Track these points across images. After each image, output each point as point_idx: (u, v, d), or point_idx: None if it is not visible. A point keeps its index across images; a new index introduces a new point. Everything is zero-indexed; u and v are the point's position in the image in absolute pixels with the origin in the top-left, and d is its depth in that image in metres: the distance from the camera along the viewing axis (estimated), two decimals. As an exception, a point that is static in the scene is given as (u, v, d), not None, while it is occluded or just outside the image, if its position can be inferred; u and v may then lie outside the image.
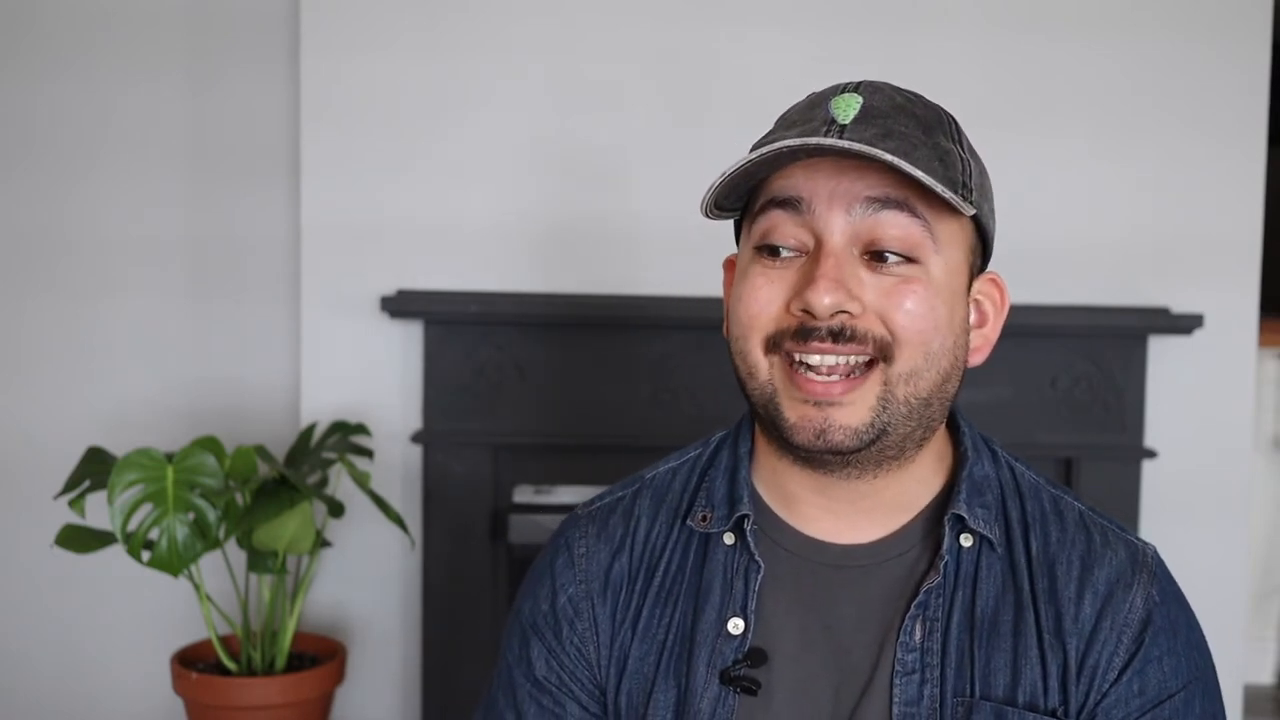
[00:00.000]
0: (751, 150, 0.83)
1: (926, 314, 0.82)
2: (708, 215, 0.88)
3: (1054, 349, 1.92)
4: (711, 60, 1.93)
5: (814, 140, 0.79)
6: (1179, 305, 1.95)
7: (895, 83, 0.91)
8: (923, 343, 0.82)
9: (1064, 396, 1.93)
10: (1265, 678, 2.95)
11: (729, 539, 0.91)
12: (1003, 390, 1.92)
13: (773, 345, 0.83)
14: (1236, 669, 1.98)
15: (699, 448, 0.99)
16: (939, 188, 0.79)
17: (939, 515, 0.89)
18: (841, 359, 0.81)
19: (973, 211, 0.82)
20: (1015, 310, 1.91)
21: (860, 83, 0.86)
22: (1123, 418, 1.93)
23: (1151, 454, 1.93)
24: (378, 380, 1.97)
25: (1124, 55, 1.94)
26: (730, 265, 0.94)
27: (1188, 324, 1.90)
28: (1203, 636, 0.90)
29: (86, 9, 2.08)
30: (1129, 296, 1.95)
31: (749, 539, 0.89)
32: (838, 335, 0.80)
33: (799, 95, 0.90)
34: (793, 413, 0.82)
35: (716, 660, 0.88)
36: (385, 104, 1.95)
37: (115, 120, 2.09)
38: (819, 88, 0.89)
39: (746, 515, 0.90)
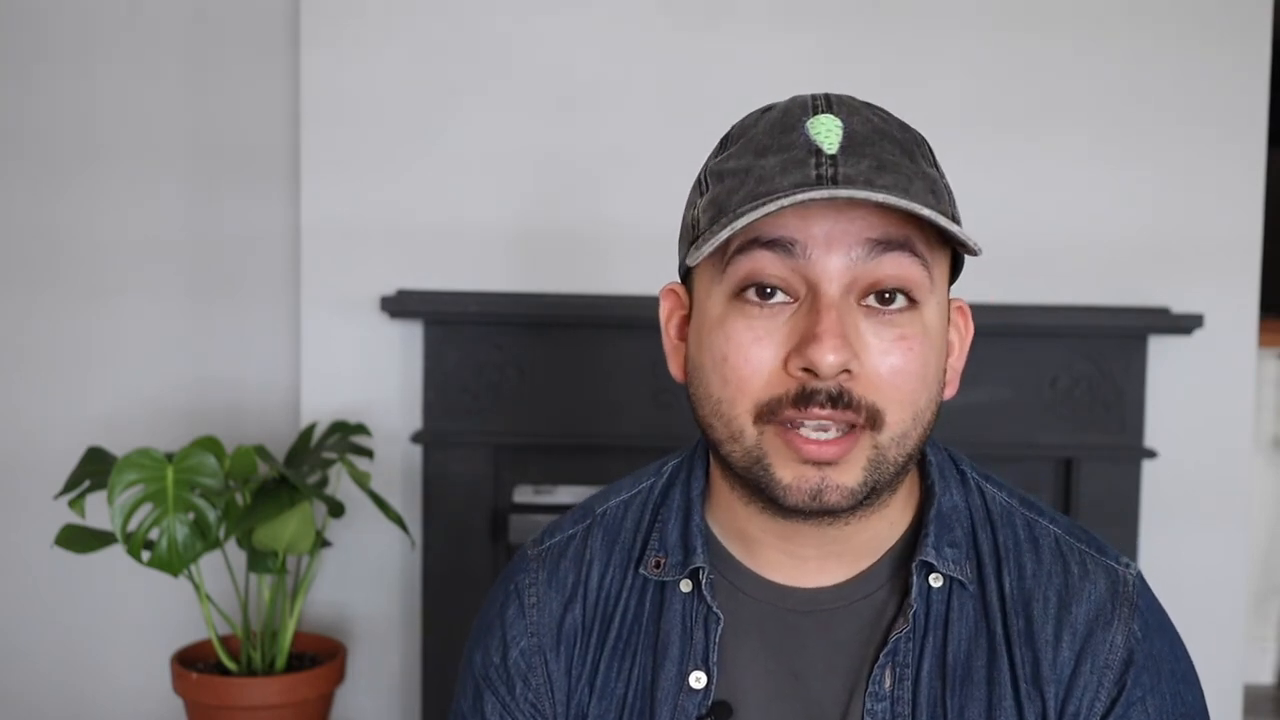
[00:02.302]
0: (728, 186, 0.76)
1: (918, 371, 0.77)
2: (689, 259, 0.79)
3: (1054, 349, 1.92)
4: (710, 61, 1.93)
5: (845, 192, 0.72)
6: (1179, 305, 1.95)
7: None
8: (912, 403, 0.77)
9: (1064, 396, 1.93)
10: (1265, 678, 2.95)
11: (686, 587, 0.86)
12: (1002, 390, 1.92)
13: (765, 414, 0.76)
14: (1236, 669, 1.98)
15: (651, 477, 0.93)
16: (960, 233, 0.74)
17: (906, 555, 0.85)
18: (837, 427, 0.76)
19: (980, 252, 0.76)
20: (1015, 310, 1.93)
21: (828, 99, 0.79)
22: (1122, 418, 1.93)
23: (1151, 454, 1.93)
24: (378, 380, 1.97)
25: (1124, 55, 1.94)
26: (669, 294, 0.88)
27: (1188, 324, 1.90)
28: (1188, 664, 0.87)
29: (86, 9, 2.08)
30: (1129, 296, 1.95)
31: (705, 592, 0.85)
32: (836, 400, 0.74)
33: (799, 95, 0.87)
34: (787, 472, 0.77)
35: (680, 717, 0.83)
36: (385, 104, 1.95)
37: (115, 120, 2.09)
38: (813, 89, 0.85)
39: (701, 568, 0.85)
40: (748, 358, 0.76)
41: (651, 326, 2.03)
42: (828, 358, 0.73)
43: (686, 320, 0.86)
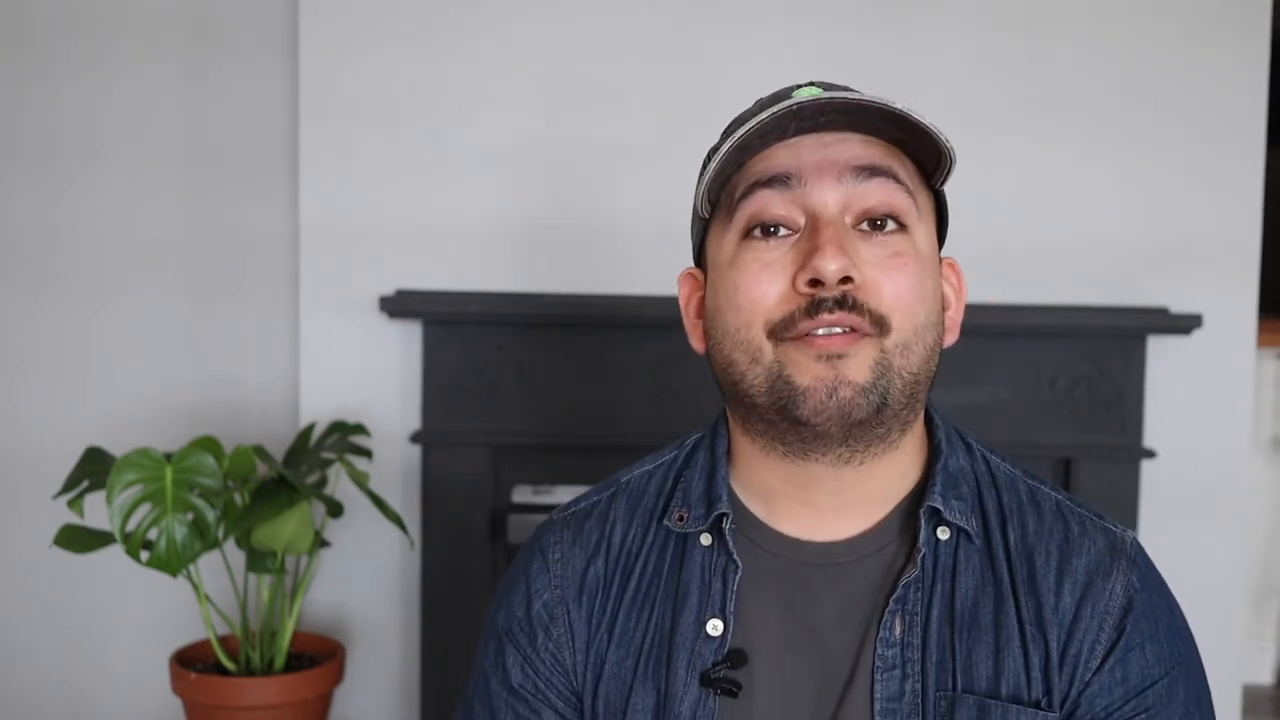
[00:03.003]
0: (721, 147, 0.83)
1: (915, 286, 0.83)
2: (700, 209, 0.88)
3: (1053, 349, 1.92)
4: (710, 60, 1.93)
5: (826, 96, 0.79)
6: (1178, 305, 1.95)
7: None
8: (912, 315, 0.82)
9: (1063, 396, 1.93)
10: (1265, 678, 2.95)
11: (706, 540, 0.90)
12: (1002, 390, 1.92)
13: (780, 330, 0.82)
14: (1236, 669, 1.98)
15: (674, 450, 0.98)
16: (933, 128, 0.80)
17: (915, 509, 0.88)
18: (845, 328, 0.81)
19: (954, 154, 0.83)
20: (1015, 310, 1.93)
21: (812, 80, 0.87)
22: (1122, 418, 1.93)
23: (1150, 454, 1.93)
24: (376, 380, 1.97)
25: (1124, 55, 1.94)
26: (687, 278, 0.94)
27: (1187, 324, 1.90)
28: (1184, 620, 0.90)
29: (84, 8, 2.08)
30: (1128, 296, 1.95)
31: (727, 538, 0.89)
32: (842, 303, 0.80)
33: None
34: (805, 375, 0.81)
35: (696, 662, 0.87)
36: (384, 103, 1.95)
37: (114, 120, 2.09)
38: None
39: (725, 514, 0.89)
40: (758, 281, 0.83)
41: (652, 326, 2.04)
42: (830, 265, 0.79)
43: (704, 302, 0.91)
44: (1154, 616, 0.87)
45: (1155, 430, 1.96)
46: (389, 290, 1.95)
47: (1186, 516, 1.97)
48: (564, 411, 1.93)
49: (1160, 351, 1.96)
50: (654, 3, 1.94)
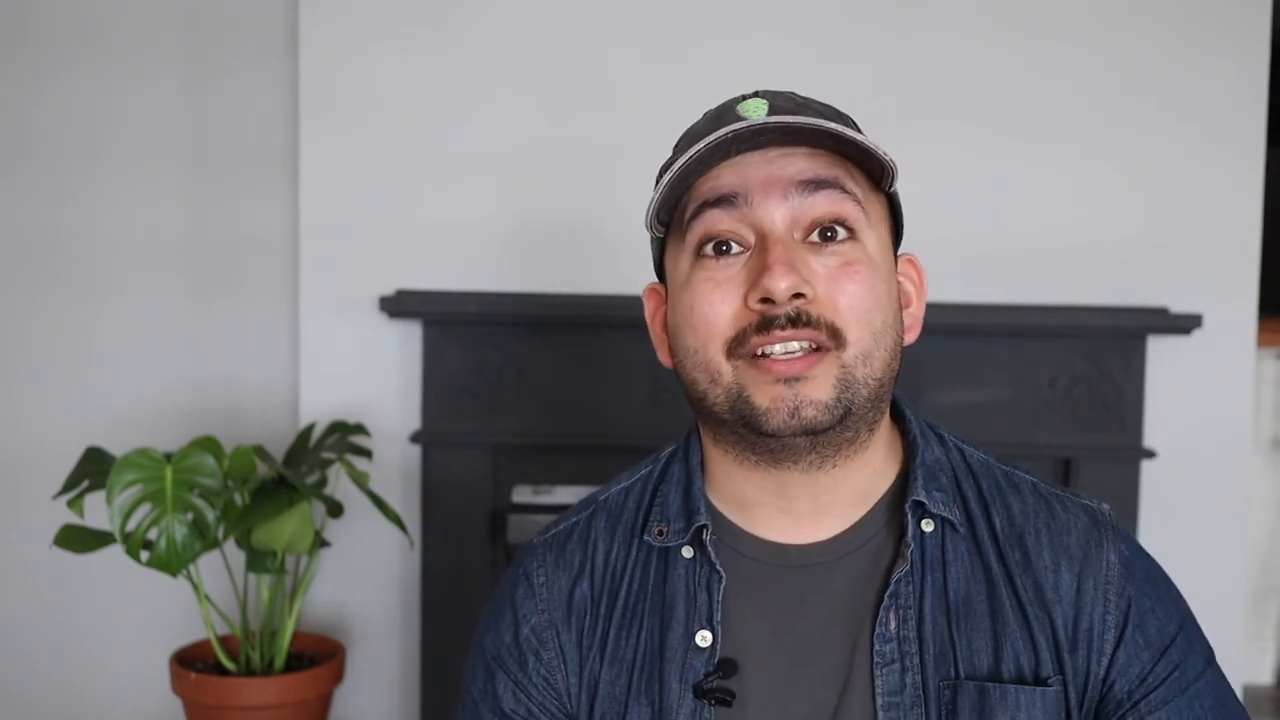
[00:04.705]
0: (668, 164, 0.84)
1: (869, 293, 0.83)
2: (651, 229, 0.89)
3: (1053, 349, 1.92)
4: (710, 60, 1.93)
5: (758, 121, 0.80)
6: (1178, 305, 1.95)
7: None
8: (868, 322, 0.83)
9: (1063, 396, 1.93)
10: (1265, 678, 2.95)
11: (688, 552, 0.91)
12: (1001, 390, 1.92)
13: (734, 347, 0.83)
14: (1236, 669, 1.98)
15: (649, 465, 0.98)
16: (875, 147, 0.81)
17: (896, 504, 0.90)
18: (801, 344, 0.81)
19: (894, 166, 0.83)
20: (1015, 310, 1.93)
21: (757, 92, 0.87)
22: (1122, 418, 1.93)
23: (1150, 454, 1.93)
24: (376, 380, 1.97)
25: (1123, 55, 1.94)
26: (651, 294, 0.95)
27: (1187, 324, 1.90)
28: (1172, 582, 0.93)
29: (85, 9, 2.08)
30: (1128, 296, 1.95)
31: (709, 549, 0.89)
32: (795, 321, 0.81)
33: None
34: (764, 397, 0.82)
35: (688, 675, 0.88)
36: (385, 103, 1.95)
37: (115, 120, 2.09)
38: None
39: (705, 525, 0.90)
40: (711, 302, 0.84)
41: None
42: (780, 283, 0.80)
43: (668, 317, 0.92)
44: (1150, 578, 0.90)
45: (1155, 430, 1.96)
46: (389, 290, 1.95)
47: (1186, 516, 1.97)
48: (564, 412, 1.93)
49: (1160, 351, 1.96)
50: (653, 3, 1.94)
